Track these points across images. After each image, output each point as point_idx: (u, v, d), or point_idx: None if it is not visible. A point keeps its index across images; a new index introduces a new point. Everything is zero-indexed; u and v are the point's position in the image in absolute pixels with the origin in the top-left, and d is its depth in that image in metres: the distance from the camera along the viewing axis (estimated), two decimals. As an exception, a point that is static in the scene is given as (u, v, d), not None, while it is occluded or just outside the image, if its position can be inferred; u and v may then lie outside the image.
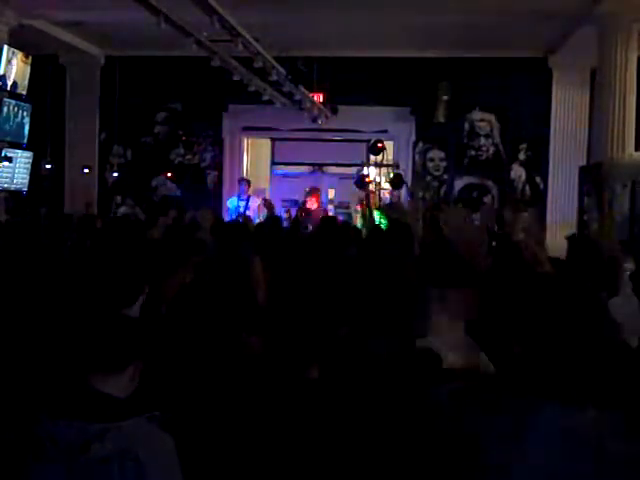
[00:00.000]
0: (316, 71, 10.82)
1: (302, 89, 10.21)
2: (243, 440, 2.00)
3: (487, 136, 12.37)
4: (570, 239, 4.34)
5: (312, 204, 12.59)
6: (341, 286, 3.06)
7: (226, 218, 10.57)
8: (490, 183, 12.36)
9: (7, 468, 1.93)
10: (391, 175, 11.57)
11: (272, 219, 7.71)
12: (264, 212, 9.46)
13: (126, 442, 1.90)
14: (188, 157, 13.02)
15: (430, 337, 2.49)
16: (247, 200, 11.35)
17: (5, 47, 9.70)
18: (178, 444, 2.00)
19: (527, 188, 12.29)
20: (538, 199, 11.99)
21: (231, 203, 11.67)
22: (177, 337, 2.86)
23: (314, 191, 13.05)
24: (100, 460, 1.87)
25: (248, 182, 11.89)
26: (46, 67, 11.80)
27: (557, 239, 6.10)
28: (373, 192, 11.61)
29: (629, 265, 3.65)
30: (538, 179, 12.23)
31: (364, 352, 2.50)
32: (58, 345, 2.38)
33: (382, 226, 7.52)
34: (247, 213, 10.66)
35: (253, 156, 13.91)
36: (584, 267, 3.26)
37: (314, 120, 11.73)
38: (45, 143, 12.18)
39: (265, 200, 10.01)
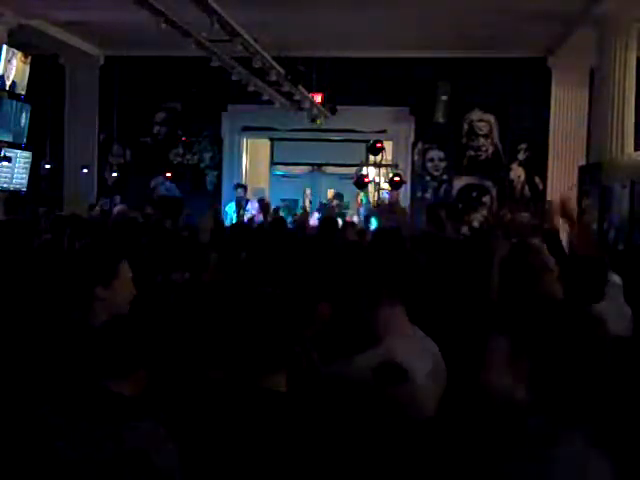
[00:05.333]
0: (315, 71, 10.81)
1: (301, 89, 10.20)
2: (240, 444, 1.99)
3: (486, 136, 12.38)
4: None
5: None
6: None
7: (225, 223, 10.53)
8: (489, 183, 12.36)
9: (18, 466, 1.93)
10: (390, 175, 11.57)
11: (276, 221, 7.67)
12: (260, 216, 9.47)
13: (140, 442, 1.90)
14: (187, 157, 13.02)
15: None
16: (245, 204, 11.31)
17: (4, 47, 9.70)
18: (184, 443, 2.00)
19: (526, 188, 12.30)
20: (538, 199, 11.99)
21: (229, 208, 11.62)
22: (178, 339, 2.85)
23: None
24: (116, 461, 1.87)
25: (244, 187, 11.85)
26: (45, 67, 11.80)
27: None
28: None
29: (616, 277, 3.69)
30: (537, 179, 12.23)
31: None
32: (71, 348, 2.39)
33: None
34: (246, 217, 10.63)
35: (252, 156, 13.90)
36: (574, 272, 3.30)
37: (313, 120, 11.73)
38: (44, 143, 12.18)
39: (261, 201, 9.99)
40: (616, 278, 3.63)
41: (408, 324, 2.66)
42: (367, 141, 12.16)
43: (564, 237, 4.91)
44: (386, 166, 11.89)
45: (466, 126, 12.36)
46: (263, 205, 8.97)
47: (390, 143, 12.41)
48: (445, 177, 12.48)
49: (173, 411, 2.15)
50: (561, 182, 11.60)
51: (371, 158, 11.96)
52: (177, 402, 2.26)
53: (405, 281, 2.68)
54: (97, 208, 11.16)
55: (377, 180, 12.13)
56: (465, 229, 9.13)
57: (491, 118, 12.33)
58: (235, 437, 1.97)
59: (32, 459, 1.94)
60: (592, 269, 3.28)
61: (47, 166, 12.28)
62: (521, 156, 12.29)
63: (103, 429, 1.91)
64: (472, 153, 12.41)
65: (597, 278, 3.23)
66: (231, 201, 11.81)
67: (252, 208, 11.16)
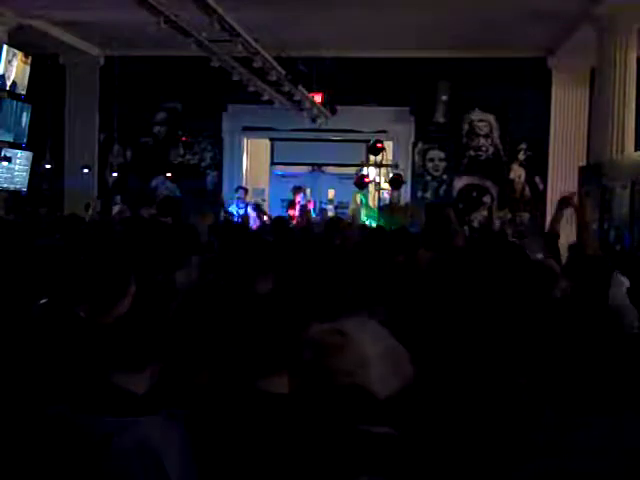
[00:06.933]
0: (315, 71, 10.80)
1: (301, 89, 10.21)
2: (249, 440, 1.99)
3: (486, 136, 12.38)
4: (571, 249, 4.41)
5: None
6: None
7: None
8: (489, 183, 12.36)
9: (27, 461, 1.94)
10: (390, 175, 11.58)
11: (277, 221, 7.71)
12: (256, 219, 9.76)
13: (145, 437, 1.90)
14: (187, 157, 13.03)
15: None
16: (245, 207, 11.32)
17: (5, 47, 9.71)
18: (194, 442, 2.00)
19: (527, 188, 12.30)
20: (538, 199, 12.00)
21: (231, 210, 11.63)
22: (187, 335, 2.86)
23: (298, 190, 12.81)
24: (120, 454, 1.88)
25: (245, 190, 11.88)
26: (46, 67, 11.80)
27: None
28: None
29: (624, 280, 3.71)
30: (538, 179, 12.23)
31: None
32: (81, 342, 2.39)
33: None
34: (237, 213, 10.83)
35: (252, 156, 13.91)
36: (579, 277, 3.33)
37: (313, 120, 11.73)
38: (45, 143, 12.18)
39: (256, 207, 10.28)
40: (623, 279, 3.65)
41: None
42: (367, 141, 12.16)
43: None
44: (386, 166, 11.89)
45: (466, 126, 12.37)
46: (258, 210, 9.20)
47: (390, 143, 12.42)
48: (445, 177, 12.49)
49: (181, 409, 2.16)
50: (561, 182, 11.60)
51: (371, 158, 11.96)
52: (182, 401, 2.27)
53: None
54: (91, 210, 11.14)
55: (377, 180, 12.13)
56: (465, 229, 9.15)
57: (491, 118, 12.33)
58: (235, 440, 1.97)
59: (34, 454, 1.94)
60: (597, 270, 3.29)
61: (47, 166, 12.28)
62: (521, 156, 12.29)
63: (106, 424, 1.91)
64: (472, 153, 12.41)
65: (602, 279, 3.25)
66: (232, 203, 11.82)
67: (250, 212, 11.20)
